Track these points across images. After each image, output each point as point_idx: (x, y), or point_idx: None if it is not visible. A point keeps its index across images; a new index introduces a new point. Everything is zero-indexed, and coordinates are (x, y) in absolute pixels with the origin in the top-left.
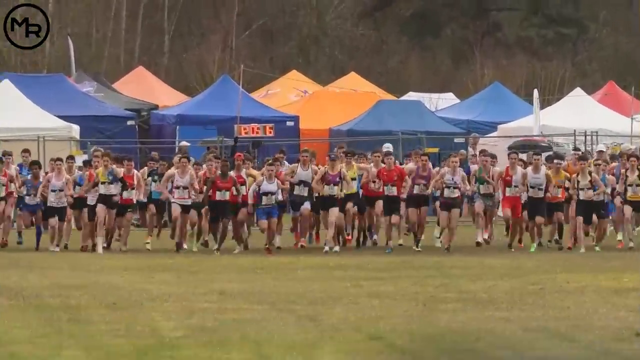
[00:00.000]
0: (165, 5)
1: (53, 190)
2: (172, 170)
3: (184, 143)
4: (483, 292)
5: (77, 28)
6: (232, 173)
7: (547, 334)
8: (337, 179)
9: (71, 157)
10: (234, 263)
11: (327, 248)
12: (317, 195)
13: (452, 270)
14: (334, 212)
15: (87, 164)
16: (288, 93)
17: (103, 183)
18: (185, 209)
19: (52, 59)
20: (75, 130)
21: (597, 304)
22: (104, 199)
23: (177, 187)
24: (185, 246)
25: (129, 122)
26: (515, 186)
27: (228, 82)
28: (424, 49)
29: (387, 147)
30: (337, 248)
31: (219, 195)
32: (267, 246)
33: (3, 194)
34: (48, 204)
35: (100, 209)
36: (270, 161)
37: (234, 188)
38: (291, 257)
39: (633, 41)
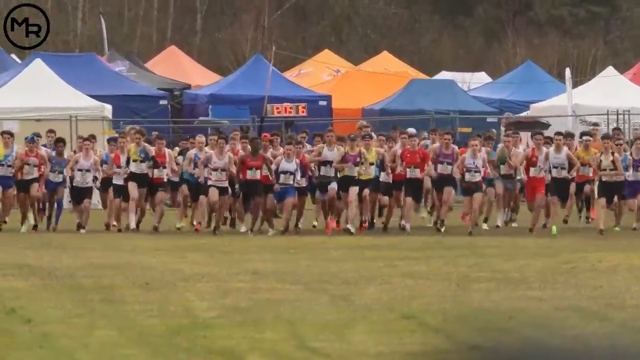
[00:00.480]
0: None
1: (80, 170)
2: (192, 151)
3: (225, 122)
4: (515, 272)
5: (109, 7)
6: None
7: (579, 313)
8: (357, 159)
9: (93, 137)
10: (268, 243)
11: (349, 226)
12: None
13: (485, 250)
14: (354, 191)
15: (111, 141)
16: (320, 72)
17: (135, 161)
18: (221, 191)
19: (84, 38)
20: (107, 109)
21: (629, 282)
22: (136, 177)
23: (215, 169)
24: (178, 225)
25: (162, 102)
26: (540, 167)
27: (260, 61)
28: (456, 28)
29: (412, 131)
30: (351, 227)
31: (249, 174)
32: (282, 229)
33: (36, 174)
34: (74, 184)
35: (132, 186)
36: (289, 140)
37: (264, 167)
38: (324, 238)
39: None
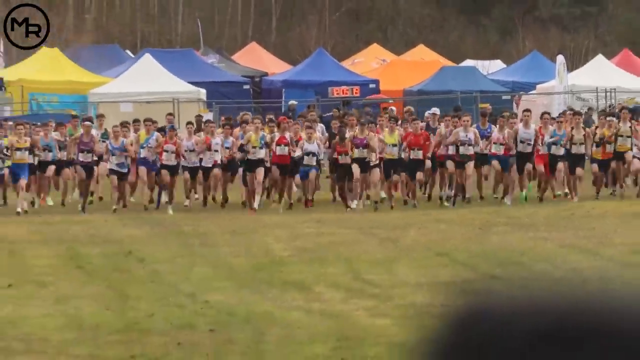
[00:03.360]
0: None
1: (186, 151)
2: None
3: (292, 102)
4: (526, 217)
5: (203, 12)
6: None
7: (577, 250)
8: (365, 142)
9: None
10: (327, 198)
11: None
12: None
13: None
14: (375, 172)
15: (160, 130)
16: (370, 62)
17: (254, 147)
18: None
19: (184, 37)
20: (202, 93)
21: (617, 225)
22: (258, 163)
23: (307, 154)
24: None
25: (245, 86)
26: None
27: (323, 53)
28: (478, 26)
29: (435, 110)
30: (354, 205)
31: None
32: (306, 198)
33: (173, 161)
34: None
35: (142, 170)
36: (308, 123)
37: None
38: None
39: None
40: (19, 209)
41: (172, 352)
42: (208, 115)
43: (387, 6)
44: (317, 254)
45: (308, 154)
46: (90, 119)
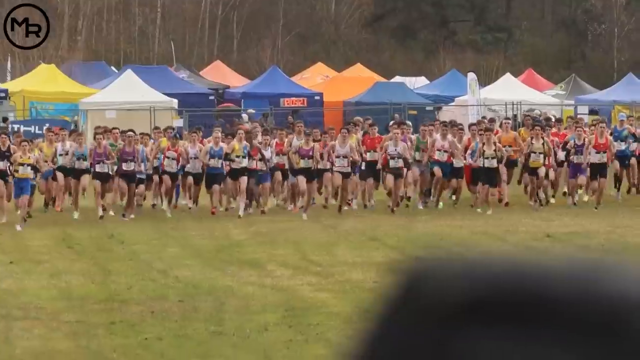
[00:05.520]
0: (234, 20)
1: (191, 158)
2: (209, 145)
3: (250, 110)
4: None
5: (176, 35)
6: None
7: (487, 236)
8: (311, 153)
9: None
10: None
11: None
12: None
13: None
14: (303, 180)
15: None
16: (315, 77)
17: (238, 157)
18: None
19: (160, 56)
20: (175, 103)
21: (522, 215)
22: (241, 172)
23: (338, 157)
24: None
25: (210, 97)
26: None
27: (276, 70)
28: (406, 48)
29: (396, 117)
30: (305, 217)
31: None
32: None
33: (175, 168)
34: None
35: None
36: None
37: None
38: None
39: (543, 43)
40: (18, 227)
41: (147, 319)
42: (178, 122)
43: (330, 31)
44: (269, 237)
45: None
46: (132, 130)
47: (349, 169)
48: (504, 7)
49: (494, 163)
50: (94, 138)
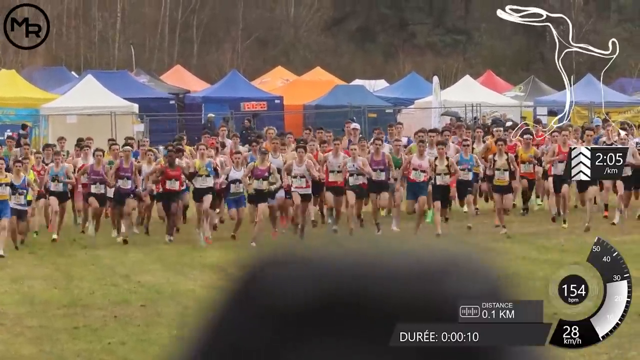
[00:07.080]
0: (194, 24)
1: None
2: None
3: (210, 115)
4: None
5: (136, 40)
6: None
7: (449, 240)
8: (266, 174)
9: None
10: None
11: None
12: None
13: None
14: (262, 207)
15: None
16: (275, 81)
17: (200, 176)
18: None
19: (120, 61)
20: (135, 107)
21: (483, 217)
22: (206, 191)
23: (295, 176)
24: (136, 230)
25: (171, 102)
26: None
27: (236, 74)
28: (366, 51)
29: (355, 125)
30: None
31: (168, 184)
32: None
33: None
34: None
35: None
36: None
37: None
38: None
39: (502, 45)
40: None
41: (110, 323)
42: (139, 127)
43: (290, 35)
44: (230, 242)
45: (234, 181)
46: (131, 145)
47: (308, 190)
48: (462, 10)
49: (448, 180)
50: (80, 148)
